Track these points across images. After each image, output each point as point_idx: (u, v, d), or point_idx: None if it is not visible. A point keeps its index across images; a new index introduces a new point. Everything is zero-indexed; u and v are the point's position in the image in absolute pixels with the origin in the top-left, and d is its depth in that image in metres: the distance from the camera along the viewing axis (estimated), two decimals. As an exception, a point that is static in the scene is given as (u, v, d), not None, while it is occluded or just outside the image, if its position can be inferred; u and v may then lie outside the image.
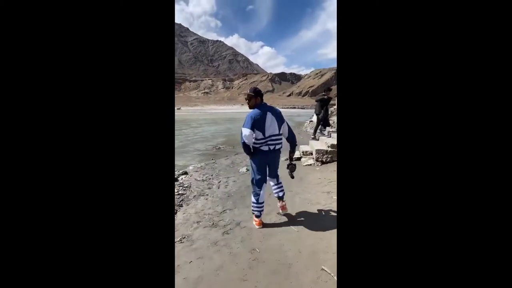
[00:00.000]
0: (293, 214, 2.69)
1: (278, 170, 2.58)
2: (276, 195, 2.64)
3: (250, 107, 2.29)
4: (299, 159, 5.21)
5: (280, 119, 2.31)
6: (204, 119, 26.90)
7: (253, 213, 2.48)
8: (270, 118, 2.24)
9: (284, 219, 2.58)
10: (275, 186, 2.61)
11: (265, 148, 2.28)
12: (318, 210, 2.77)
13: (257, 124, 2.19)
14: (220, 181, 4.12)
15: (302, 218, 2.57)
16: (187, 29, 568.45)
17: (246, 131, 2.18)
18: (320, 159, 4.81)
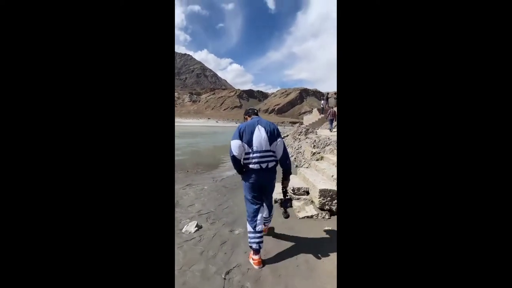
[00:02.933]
0: None
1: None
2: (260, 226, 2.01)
3: None
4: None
5: (272, 134, 1.93)
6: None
7: (250, 246, 1.96)
8: (258, 131, 1.91)
9: None
10: (264, 219, 2.09)
11: (255, 166, 1.89)
12: None
13: (244, 135, 1.90)
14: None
15: None
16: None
17: (234, 142, 1.89)
18: (327, 206, 2.83)
